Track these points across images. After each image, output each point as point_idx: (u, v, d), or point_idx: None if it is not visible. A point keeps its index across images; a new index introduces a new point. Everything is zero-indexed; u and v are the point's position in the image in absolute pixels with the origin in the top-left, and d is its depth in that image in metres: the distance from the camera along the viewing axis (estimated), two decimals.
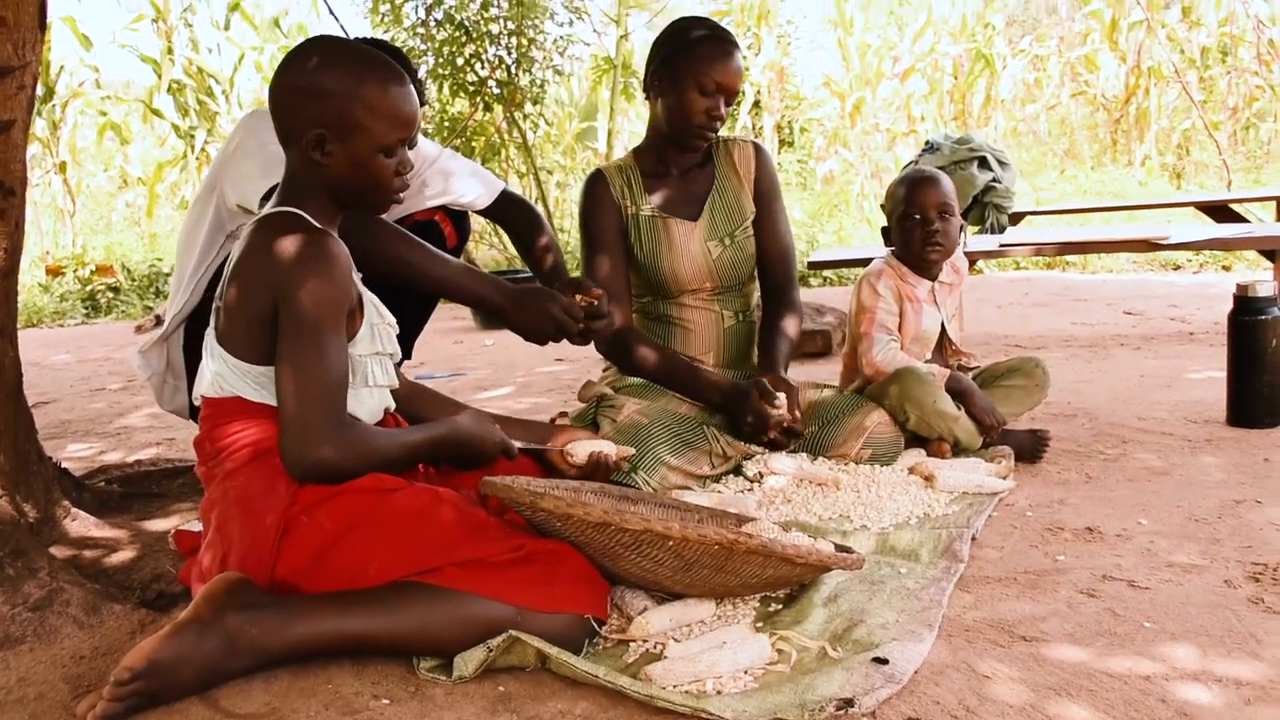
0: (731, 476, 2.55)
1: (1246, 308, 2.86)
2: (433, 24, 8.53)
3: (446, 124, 8.94)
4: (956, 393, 2.63)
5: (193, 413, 2.59)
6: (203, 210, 2.49)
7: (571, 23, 8.88)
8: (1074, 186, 10.41)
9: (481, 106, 8.82)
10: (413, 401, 2.13)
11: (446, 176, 2.75)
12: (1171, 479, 2.49)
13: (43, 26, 2.05)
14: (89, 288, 8.97)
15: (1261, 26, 12.84)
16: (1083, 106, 13.93)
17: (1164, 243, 2.95)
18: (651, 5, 9.98)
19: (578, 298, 2.31)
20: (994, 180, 4.67)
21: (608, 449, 2.21)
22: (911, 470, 2.51)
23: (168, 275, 9.10)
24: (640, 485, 2.37)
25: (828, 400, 2.65)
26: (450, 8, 8.45)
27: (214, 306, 1.84)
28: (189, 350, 2.57)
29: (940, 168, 4.72)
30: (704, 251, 2.76)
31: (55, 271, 9.07)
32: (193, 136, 10.53)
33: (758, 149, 2.89)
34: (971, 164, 4.68)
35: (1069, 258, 7.36)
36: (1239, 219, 4.75)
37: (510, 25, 8.53)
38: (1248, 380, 2.88)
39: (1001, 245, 3.08)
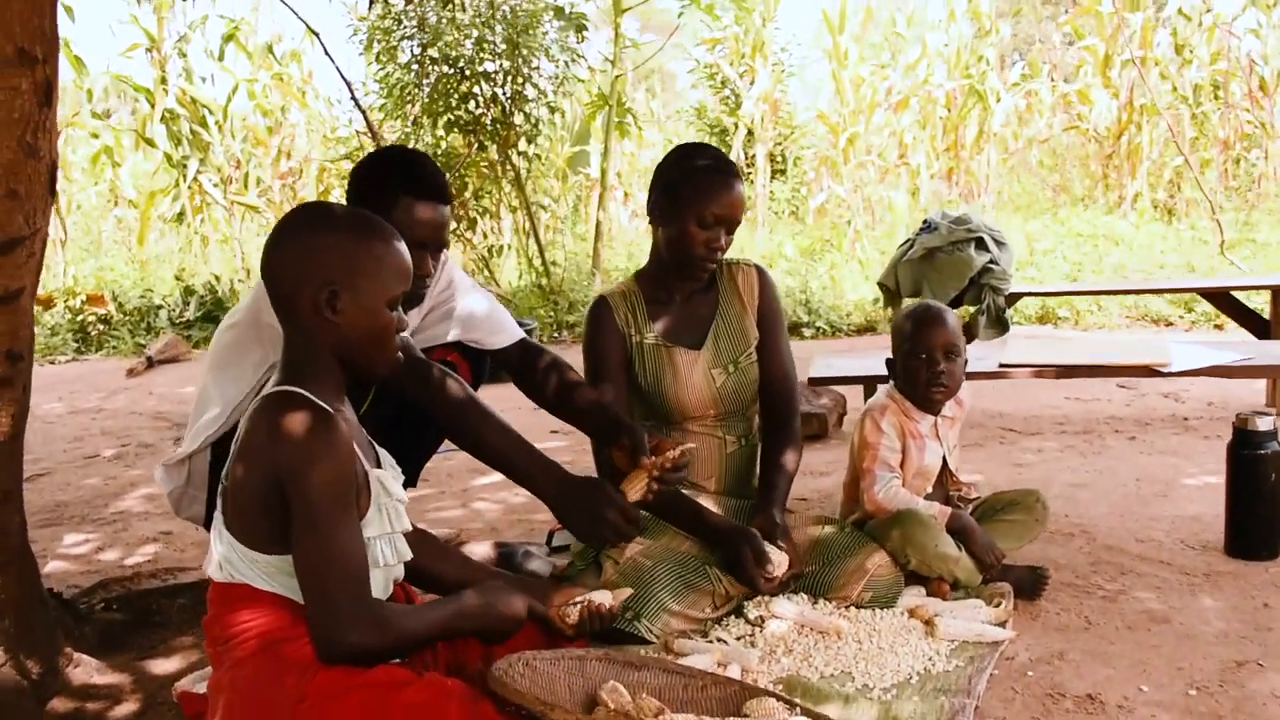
0: (733, 618, 2.55)
1: (1246, 441, 2.88)
2: (427, 62, 8.53)
3: (440, 159, 8.93)
4: (957, 531, 2.65)
5: (207, 523, 2.60)
6: (244, 339, 2.50)
7: (568, 64, 8.87)
8: (1065, 229, 10.44)
9: (476, 145, 8.81)
10: (420, 555, 2.12)
11: (470, 312, 2.75)
12: (1171, 629, 2.50)
13: (53, 193, 2.04)
14: (79, 318, 8.93)
15: (1253, 64, 12.94)
16: (1075, 139, 13.99)
17: (1166, 371, 2.96)
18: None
19: (654, 458, 2.30)
20: (991, 261, 4.68)
21: (602, 599, 2.17)
22: (912, 613, 2.51)
23: (158, 309, 9.07)
24: (643, 633, 2.38)
25: (829, 538, 2.66)
26: (444, 45, 8.45)
27: (220, 487, 1.85)
28: (215, 469, 2.56)
29: (937, 248, 4.74)
30: (707, 379, 2.77)
31: (46, 303, 9.03)
32: (184, 166, 10.50)
33: (761, 273, 2.90)
34: (969, 245, 4.69)
35: (1062, 313, 7.41)
36: (1239, 306, 4.79)
37: (505, 64, 8.53)
38: (1247, 512, 2.90)
39: (1001, 366, 3.10)
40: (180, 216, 11.08)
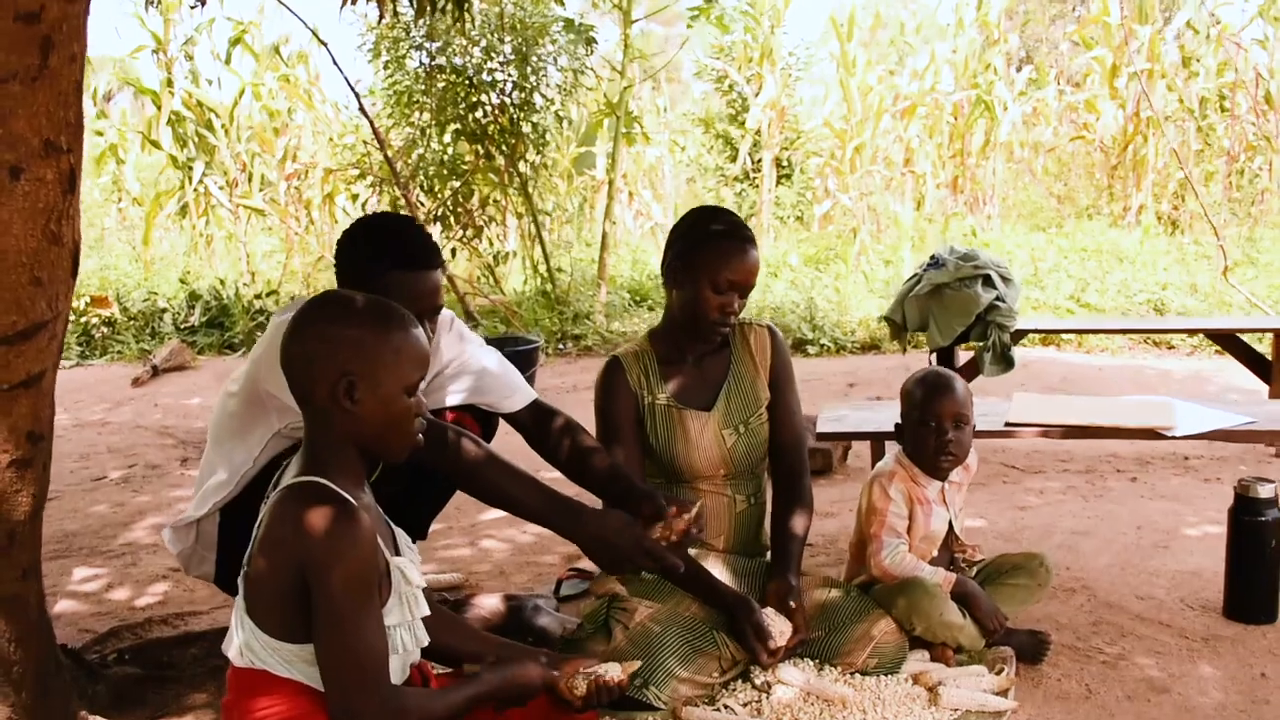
0: (740, 682, 2.59)
1: (1247, 508, 2.91)
2: (435, 70, 8.53)
3: (447, 167, 8.95)
4: (961, 597, 2.68)
5: (217, 580, 2.65)
6: (246, 407, 2.54)
7: (577, 75, 8.88)
8: (1070, 244, 10.45)
9: (483, 154, 8.83)
10: (437, 630, 2.15)
11: (481, 373, 2.77)
12: (1170, 699, 2.54)
13: (74, 274, 2.07)
14: (84, 319, 8.95)
15: (1259, 77, 12.93)
16: (1081, 148, 14.00)
17: (1170, 435, 2.99)
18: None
19: (669, 521, 2.35)
20: (998, 299, 4.70)
21: (610, 672, 2.20)
22: (916, 680, 2.55)
23: (163, 312, 9.08)
24: (652, 700, 2.42)
25: (835, 603, 2.69)
26: (453, 54, 8.46)
27: (241, 574, 1.88)
28: (224, 530, 2.60)
29: (944, 284, 4.77)
30: (718, 440, 2.80)
31: None
32: (190, 168, 10.52)
33: (773, 334, 2.92)
34: (976, 282, 4.71)
35: (1066, 336, 7.44)
36: (1243, 346, 4.81)
37: (513, 73, 8.54)
38: (1246, 578, 2.94)
39: (1008, 425, 3.12)
40: (185, 211, 11.08)
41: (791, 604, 2.59)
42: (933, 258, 4.91)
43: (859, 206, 11.61)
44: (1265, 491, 2.90)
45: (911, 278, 4.99)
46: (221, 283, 9.51)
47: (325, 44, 8.01)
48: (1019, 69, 14.09)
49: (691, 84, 16.39)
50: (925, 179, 12.91)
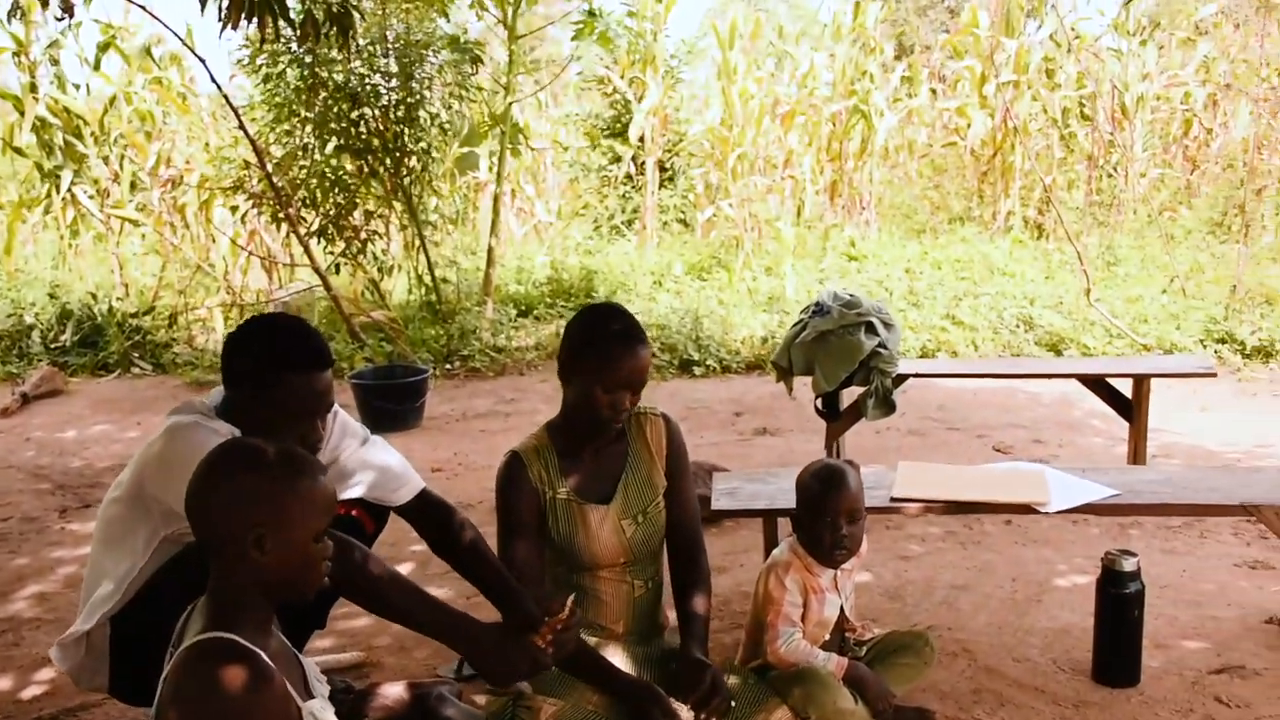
0: None
1: (1113, 581, 3.11)
2: (317, 85, 8.39)
3: (329, 180, 8.81)
4: (853, 681, 2.80)
5: (113, 690, 2.63)
6: (131, 513, 2.54)
7: (463, 90, 8.83)
8: (944, 255, 10.81)
9: (367, 169, 8.72)
10: None
11: (369, 468, 2.81)
12: None
13: None
14: None
15: (1115, 89, 13.52)
16: (953, 154, 14.44)
17: (1044, 510, 3.17)
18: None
19: (550, 623, 2.46)
20: (880, 345, 4.86)
21: None
22: None
23: (31, 329, 8.76)
24: None
25: (734, 690, 2.78)
26: (333, 69, 8.33)
27: None
28: (115, 640, 2.58)
29: (829, 331, 4.91)
30: (617, 530, 2.87)
31: None
32: (58, 177, 10.14)
33: (668, 423, 3.00)
34: (859, 329, 4.86)
35: (945, 343, 7.72)
36: (1108, 388, 5.08)
37: (398, 91, 8.45)
38: (1112, 645, 3.14)
39: (894, 500, 3.26)
40: (53, 219, 10.69)
41: (708, 679, 2.67)
42: (817, 304, 5.05)
43: (741, 214, 11.78)
44: (1129, 565, 3.11)
45: (797, 324, 5.12)
46: (94, 297, 9.21)
47: (203, 60, 7.79)
48: (893, 72, 14.41)
49: (575, 79, 16.36)
50: (805, 185, 13.17)
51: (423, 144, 8.84)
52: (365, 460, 2.81)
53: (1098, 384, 5.13)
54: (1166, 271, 9.98)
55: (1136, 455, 5.05)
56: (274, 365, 2.48)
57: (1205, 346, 7.72)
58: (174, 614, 2.02)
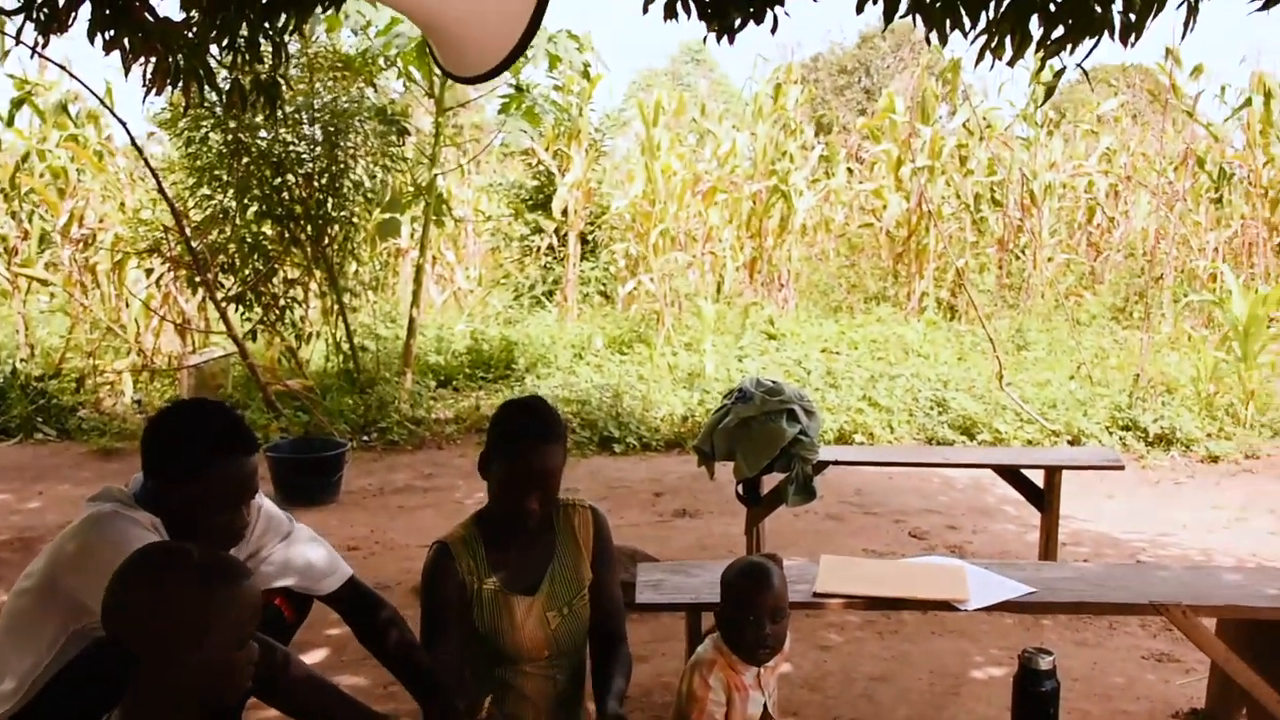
0: None
1: (1030, 679, 3.15)
2: (240, 150, 8.33)
3: (249, 246, 8.71)
4: None
5: None
6: (40, 606, 2.46)
7: (388, 160, 8.84)
8: (860, 335, 11.02)
9: (288, 236, 8.65)
10: None
11: (294, 564, 2.77)
12: None
13: None
14: None
15: (1024, 176, 14.01)
16: (870, 235, 14.80)
17: (963, 608, 3.23)
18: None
19: None
20: (802, 432, 4.93)
21: None
22: None
23: None
24: None
25: None
26: (256, 135, 8.28)
27: None
28: None
29: (751, 418, 4.98)
30: (543, 624, 2.86)
31: None
32: None
33: (595, 515, 3.01)
34: (781, 416, 4.93)
35: (858, 438, 7.83)
36: (1026, 482, 5.21)
37: (322, 159, 8.42)
38: None
39: (815, 595, 3.29)
40: None
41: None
42: (740, 390, 5.12)
43: (662, 288, 11.90)
44: (1045, 664, 3.15)
45: (720, 409, 5.18)
46: None
47: (124, 123, 7.71)
48: (812, 149, 14.75)
49: (499, 146, 16.48)
50: (725, 261, 13.37)
51: (345, 212, 8.80)
52: (289, 557, 2.77)
53: (1011, 474, 5.25)
54: (1073, 356, 10.28)
55: (1048, 545, 5.16)
56: (198, 452, 2.44)
57: (1111, 434, 7.94)
58: (78, 715, 1.97)
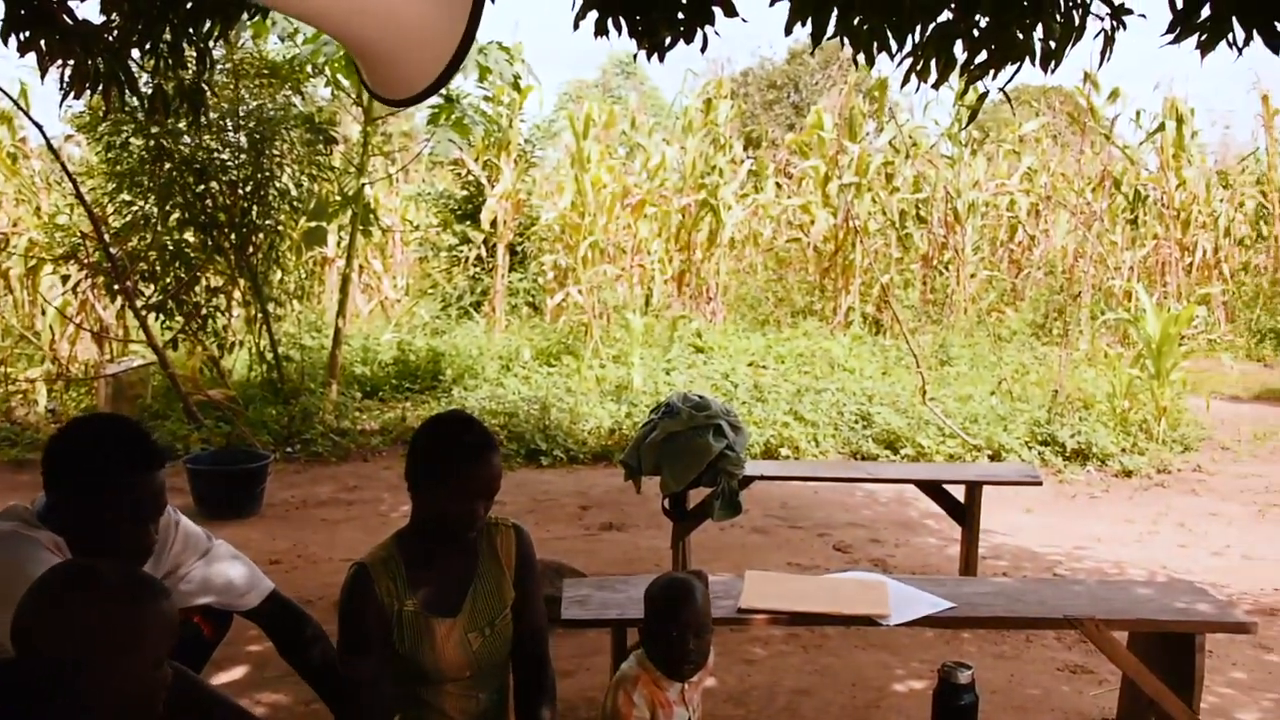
0: None
1: (949, 693, 3.20)
2: (162, 156, 8.18)
3: (170, 254, 8.56)
4: None
5: None
6: None
7: (315, 169, 8.75)
8: (787, 349, 11.13)
9: (211, 244, 8.52)
10: None
11: (213, 582, 2.72)
12: None
13: None
14: None
15: (948, 194, 14.27)
16: (797, 250, 14.97)
17: (885, 623, 3.27)
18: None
19: None
20: (728, 448, 4.97)
21: None
22: None
23: None
24: None
25: None
26: (179, 142, 8.14)
27: None
28: None
29: (677, 433, 5.00)
30: (464, 643, 2.83)
31: None
32: None
33: (519, 533, 2.99)
34: (708, 431, 4.96)
35: (784, 451, 7.90)
36: (947, 497, 5.30)
37: (248, 166, 8.31)
38: None
39: (741, 611, 3.32)
40: None
41: None
42: (667, 405, 5.14)
43: (590, 300, 11.91)
44: (964, 678, 3.21)
45: (646, 423, 5.19)
46: None
47: (40, 126, 7.54)
48: (741, 163, 14.87)
49: (428, 156, 16.39)
50: (653, 273, 13.42)
51: (270, 220, 8.69)
52: (209, 575, 2.73)
53: (933, 489, 5.34)
54: (995, 371, 10.49)
55: (969, 559, 5.26)
56: (101, 467, 2.38)
57: (1030, 448, 8.10)
58: None
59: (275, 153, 8.40)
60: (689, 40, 3.74)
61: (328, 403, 8.72)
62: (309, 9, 2.01)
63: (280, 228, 8.91)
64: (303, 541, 5.95)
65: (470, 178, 13.86)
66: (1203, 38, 2.83)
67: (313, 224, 11.42)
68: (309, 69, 8.59)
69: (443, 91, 9.13)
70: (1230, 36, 2.77)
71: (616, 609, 3.41)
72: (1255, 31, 2.69)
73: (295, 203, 9.11)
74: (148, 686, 1.84)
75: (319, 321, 11.63)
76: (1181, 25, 2.83)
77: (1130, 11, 3.53)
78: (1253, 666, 4.38)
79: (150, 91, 4.96)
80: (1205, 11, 2.75)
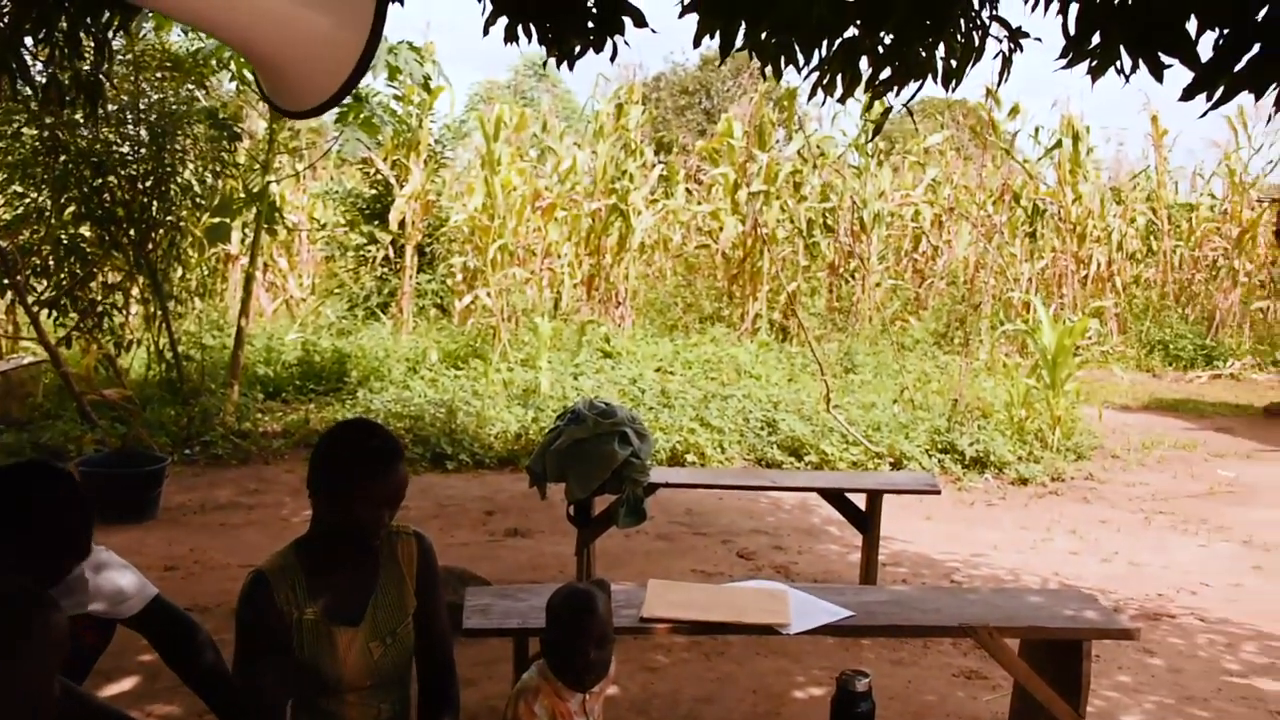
0: None
1: (847, 701, 3.26)
2: (58, 148, 7.94)
3: (65, 249, 8.31)
4: None
5: None
6: None
7: (219, 166, 8.58)
8: (694, 355, 11.20)
9: (109, 241, 8.29)
10: None
11: (101, 580, 2.66)
12: None
13: None
14: None
15: (854, 203, 14.50)
16: (706, 256, 15.09)
17: (785, 632, 3.32)
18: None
19: None
20: (633, 455, 4.98)
21: None
22: None
23: None
24: None
25: None
26: (76, 134, 7.91)
27: None
28: None
29: (583, 440, 5.00)
30: (365, 653, 2.80)
31: None
32: None
33: (420, 541, 2.96)
34: (613, 439, 4.97)
35: (690, 458, 7.95)
36: (849, 505, 5.38)
37: (148, 161, 8.10)
38: None
39: (643, 620, 3.33)
40: None
41: None
42: (573, 412, 5.13)
43: (499, 304, 11.85)
44: (861, 686, 3.26)
45: (552, 430, 5.18)
46: None
47: None
48: (653, 167, 14.93)
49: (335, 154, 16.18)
50: (563, 277, 13.42)
51: (171, 216, 8.49)
52: (98, 584, 2.67)
53: (835, 497, 5.41)
54: (898, 380, 10.68)
55: (869, 566, 5.34)
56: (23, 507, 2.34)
57: (930, 456, 8.27)
58: None
59: (177, 147, 8.20)
60: (598, 49, 3.75)
61: (229, 404, 8.54)
62: (207, 19, 1.96)
63: (182, 224, 8.70)
64: (201, 546, 5.82)
65: (379, 177, 13.71)
66: (1093, 64, 2.91)
67: (216, 220, 11.23)
68: (214, 63, 8.42)
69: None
70: (1119, 64, 2.87)
71: (518, 618, 3.40)
72: (1141, 60, 2.79)
73: (198, 199, 8.91)
74: (33, 697, 1.80)
75: (221, 320, 11.39)
76: (1074, 51, 2.91)
77: (1027, 35, 3.65)
78: (1137, 670, 4.53)
79: (45, 81, 4.83)
80: (1096, 39, 2.84)
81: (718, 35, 3.57)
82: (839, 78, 3.77)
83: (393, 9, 4.02)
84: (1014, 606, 3.65)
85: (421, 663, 2.92)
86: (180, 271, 9.68)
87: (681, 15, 3.54)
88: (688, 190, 15.71)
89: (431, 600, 2.94)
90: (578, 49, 3.79)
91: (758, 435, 8.48)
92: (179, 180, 8.45)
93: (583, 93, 55.79)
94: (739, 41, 3.60)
